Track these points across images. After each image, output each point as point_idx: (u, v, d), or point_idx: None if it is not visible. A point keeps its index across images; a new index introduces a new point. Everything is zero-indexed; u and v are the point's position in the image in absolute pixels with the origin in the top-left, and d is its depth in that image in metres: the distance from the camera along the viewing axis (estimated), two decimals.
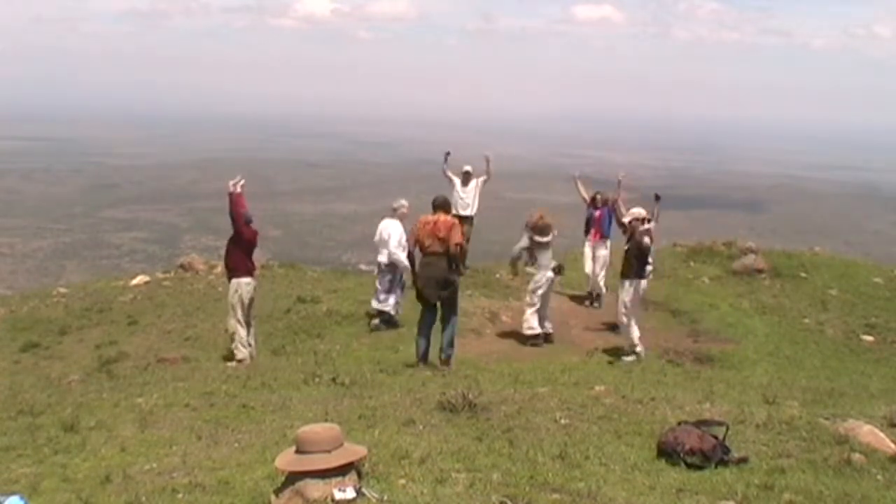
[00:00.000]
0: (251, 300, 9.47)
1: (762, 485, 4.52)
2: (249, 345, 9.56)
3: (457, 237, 8.50)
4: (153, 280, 15.62)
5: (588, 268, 12.69)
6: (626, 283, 9.94)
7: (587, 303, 12.87)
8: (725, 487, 4.51)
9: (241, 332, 9.41)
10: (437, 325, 8.83)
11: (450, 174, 13.08)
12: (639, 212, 10.07)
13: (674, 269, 14.96)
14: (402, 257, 10.24)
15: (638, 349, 9.89)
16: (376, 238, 11.17)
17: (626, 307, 9.92)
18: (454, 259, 8.56)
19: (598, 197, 12.51)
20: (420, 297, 8.73)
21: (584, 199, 12.77)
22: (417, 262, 8.77)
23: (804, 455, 5.10)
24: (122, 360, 10.27)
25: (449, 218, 8.75)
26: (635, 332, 9.90)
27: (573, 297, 13.09)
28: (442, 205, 8.87)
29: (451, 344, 8.78)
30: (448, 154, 13.09)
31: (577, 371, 8.75)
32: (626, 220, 10.13)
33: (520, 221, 10.86)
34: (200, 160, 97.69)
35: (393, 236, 10.79)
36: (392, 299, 11.04)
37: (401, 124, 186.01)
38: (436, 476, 4.55)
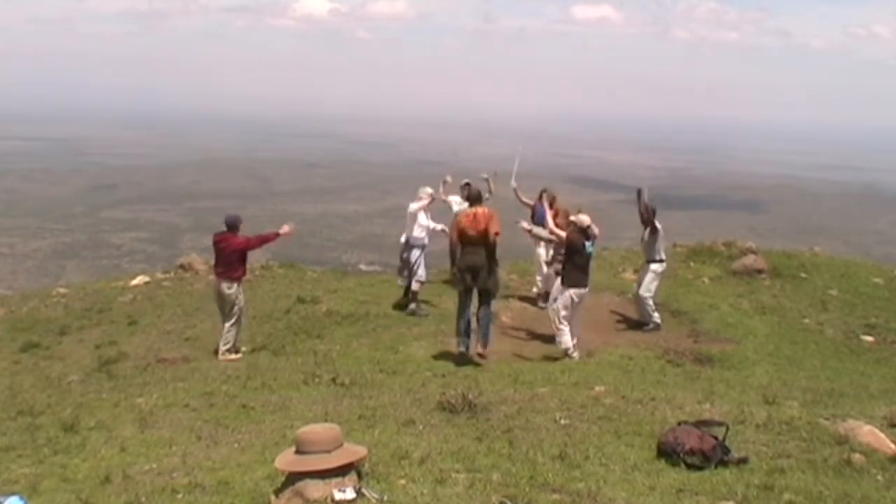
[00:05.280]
0: (222, 301, 9.92)
1: (762, 485, 4.52)
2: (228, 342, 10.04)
3: (495, 227, 8.90)
4: (153, 280, 15.61)
5: (544, 269, 12.17)
6: (563, 289, 9.59)
7: (541, 304, 12.25)
8: (725, 488, 4.51)
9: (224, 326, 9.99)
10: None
11: (445, 198, 12.38)
12: (583, 219, 9.60)
13: (674, 269, 14.91)
14: (418, 207, 11.43)
15: (573, 355, 9.47)
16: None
17: (559, 313, 9.54)
18: (492, 248, 8.96)
19: (545, 194, 11.90)
20: (459, 281, 9.14)
21: (527, 205, 12.47)
22: (459, 251, 9.13)
23: (804, 455, 5.09)
24: (122, 361, 10.25)
25: (487, 210, 9.13)
26: (566, 340, 9.50)
27: (523, 298, 12.69)
28: (477, 198, 9.30)
29: (488, 335, 9.23)
30: (445, 182, 12.28)
31: (577, 371, 8.73)
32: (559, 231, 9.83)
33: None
34: (200, 160, 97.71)
35: (412, 207, 11.53)
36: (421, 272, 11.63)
37: (400, 124, 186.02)
38: (436, 476, 4.55)
